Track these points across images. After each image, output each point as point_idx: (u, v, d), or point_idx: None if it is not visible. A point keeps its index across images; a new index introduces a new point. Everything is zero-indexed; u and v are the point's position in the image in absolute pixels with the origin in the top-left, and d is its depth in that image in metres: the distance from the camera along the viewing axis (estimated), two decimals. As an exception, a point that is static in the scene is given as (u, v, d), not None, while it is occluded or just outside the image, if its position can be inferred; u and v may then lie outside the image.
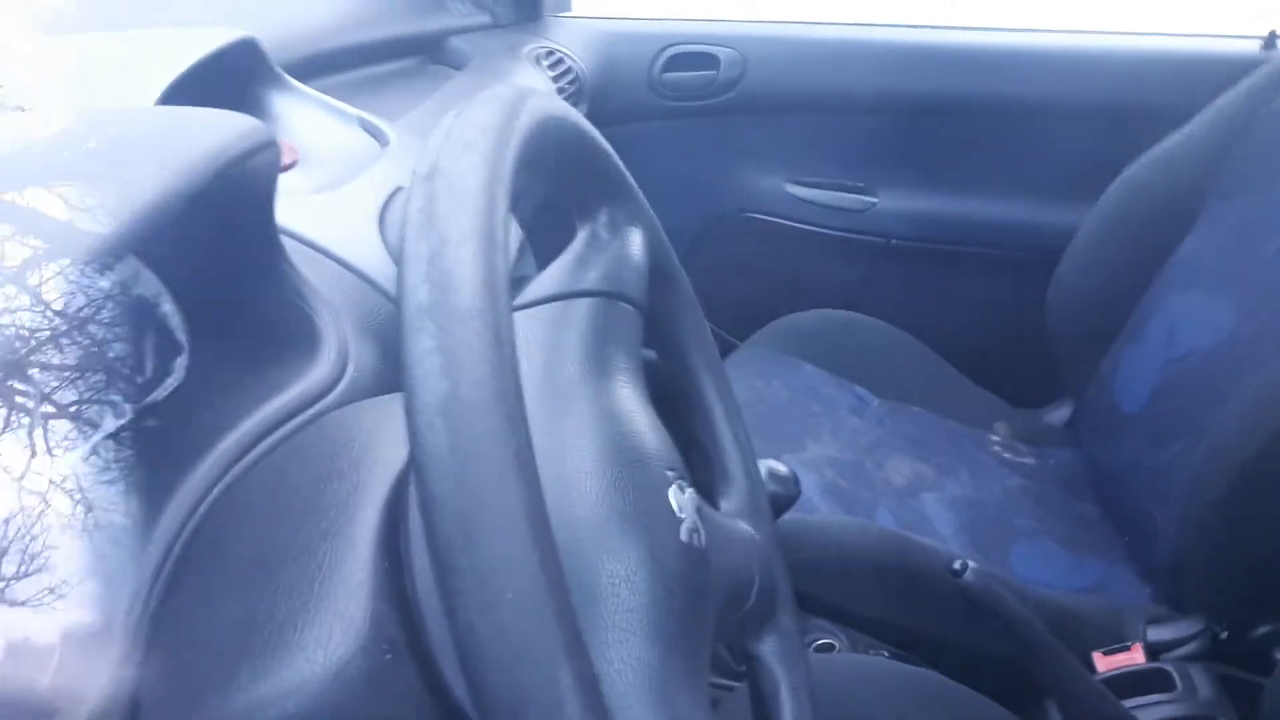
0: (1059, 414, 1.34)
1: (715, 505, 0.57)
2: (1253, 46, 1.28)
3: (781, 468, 0.86)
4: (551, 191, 0.53)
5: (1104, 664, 0.95)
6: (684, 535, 0.42)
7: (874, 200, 1.39)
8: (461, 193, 0.35)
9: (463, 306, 0.32)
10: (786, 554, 1.01)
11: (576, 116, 0.49)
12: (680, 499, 0.43)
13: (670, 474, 0.44)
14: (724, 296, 1.50)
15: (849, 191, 1.40)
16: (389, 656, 0.37)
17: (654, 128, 1.41)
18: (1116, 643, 0.98)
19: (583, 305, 0.50)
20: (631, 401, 0.46)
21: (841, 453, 1.17)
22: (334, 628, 0.37)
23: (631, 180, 0.55)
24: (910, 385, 1.34)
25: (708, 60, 1.37)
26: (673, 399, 0.60)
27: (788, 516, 1.03)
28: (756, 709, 0.57)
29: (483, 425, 0.30)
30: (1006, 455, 1.28)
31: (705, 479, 0.59)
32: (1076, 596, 1.04)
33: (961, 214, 1.38)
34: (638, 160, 1.49)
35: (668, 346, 0.60)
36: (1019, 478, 1.22)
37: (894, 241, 1.38)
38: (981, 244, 1.38)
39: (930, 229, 1.38)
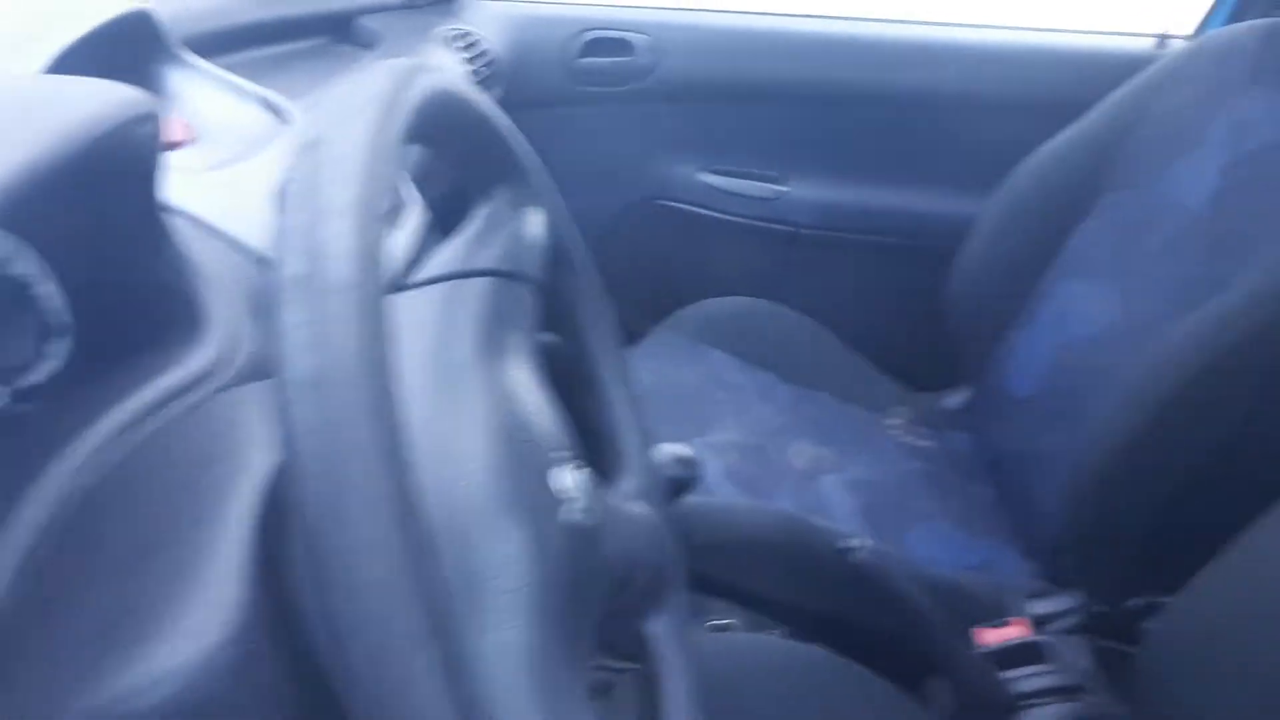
0: (957, 399, 1.39)
1: (610, 487, 0.58)
2: (1147, 44, 1.34)
3: (684, 451, 0.88)
4: (451, 170, 0.53)
5: (987, 638, 1.00)
6: (570, 516, 0.43)
7: (785, 189, 1.42)
8: (343, 162, 0.34)
9: (337, 280, 0.31)
10: (688, 536, 1.03)
11: (473, 93, 0.49)
12: (568, 479, 0.44)
13: (558, 455, 0.45)
14: (636, 283, 1.51)
15: (760, 180, 1.42)
16: (259, 644, 0.37)
17: (569, 113, 1.41)
18: (1001, 618, 1.03)
19: (477, 285, 0.50)
20: (523, 383, 0.47)
21: (746, 437, 1.19)
22: (205, 616, 0.36)
23: (534, 161, 0.55)
24: (816, 371, 1.37)
25: (623, 46, 1.38)
26: (571, 381, 0.61)
27: (690, 499, 1.06)
28: (645, 688, 0.58)
29: (349, 402, 0.30)
30: (906, 439, 1.31)
31: (602, 461, 0.60)
32: (966, 574, 1.08)
33: (868, 203, 1.41)
34: (553, 145, 1.49)
35: (567, 328, 0.60)
36: (918, 461, 1.26)
37: (803, 230, 1.41)
38: (886, 233, 1.41)
39: (838, 218, 1.41)
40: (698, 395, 1.25)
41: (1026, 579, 1.09)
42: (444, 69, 0.48)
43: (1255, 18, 1.13)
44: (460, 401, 0.44)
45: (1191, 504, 0.90)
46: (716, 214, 1.42)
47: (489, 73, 1.26)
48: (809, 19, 1.41)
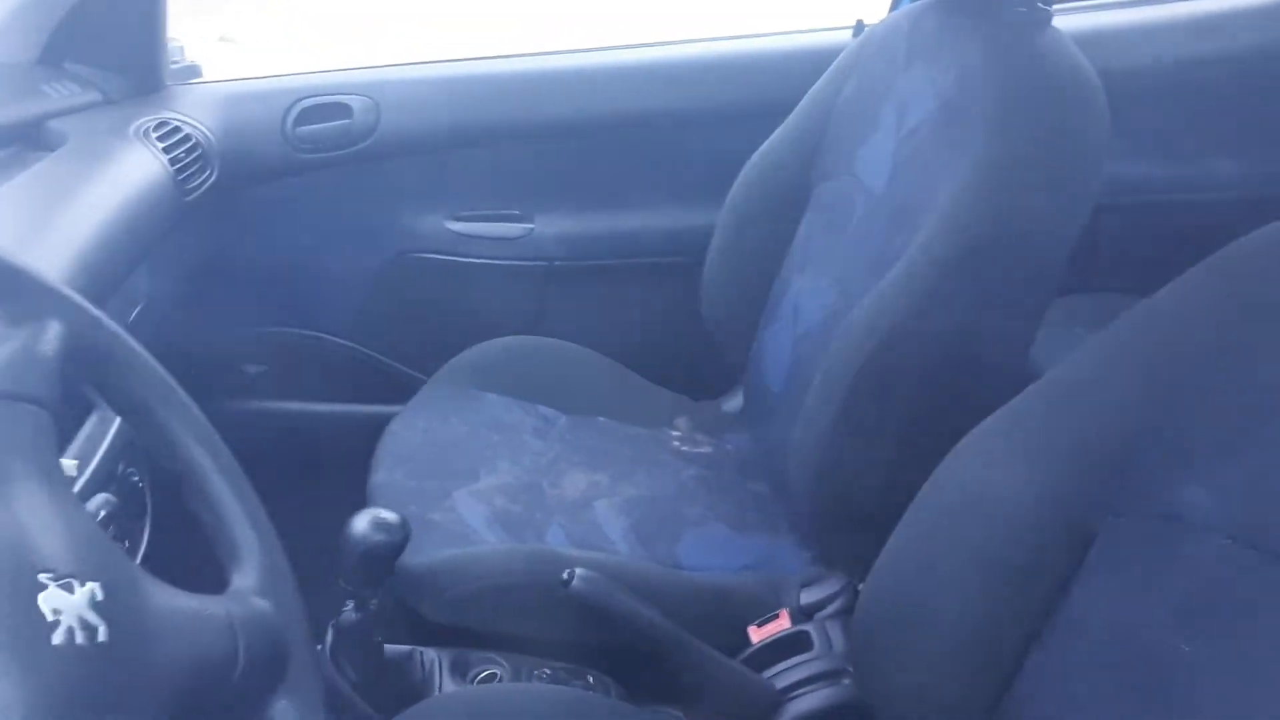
0: (735, 401, 1.42)
1: (228, 580, 0.57)
2: (845, 36, 1.40)
3: (388, 516, 0.88)
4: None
5: (757, 635, 1.02)
6: (60, 638, 0.42)
7: (531, 226, 1.43)
8: None
9: None
10: (446, 590, 1.03)
11: None
12: (61, 601, 0.43)
13: (48, 576, 0.43)
14: (406, 337, 1.51)
15: (506, 220, 1.43)
16: None
17: (300, 182, 1.39)
18: (774, 612, 1.05)
19: None
20: (24, 508, 0.46)
21: (518, 478, 1.20)
22: None
23: (39, 272, 0.54)
24: (595, 397, 1.38)
25: (340, 110, 1.37)
26: (177, 484, 0.59)
27: (447, 554, 1.05)
28: None
29: None
30: (685, 448, 1.34)
31: (220, 558, 0.59)
32: (739, 575, 1.10)
33: (615, 227, 1.44)
34: (288, 216, 1.48)
35: (143, 427, 0.59)
36: (696, 468, 1.29)
37: (556, 263, 1.42)
38: (639, 254, 1.44)
39: (588, 247, 1.43)
40: (469, 443, 1.24)
41: (801, 568, 1.12)
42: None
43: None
44: None
45: (906, 469, 0.94)
46: (471, 259, 1.43)
47: (195, 157, 1.23)
48: (522, 58, 1.43)
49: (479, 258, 1.42)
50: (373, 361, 1.48)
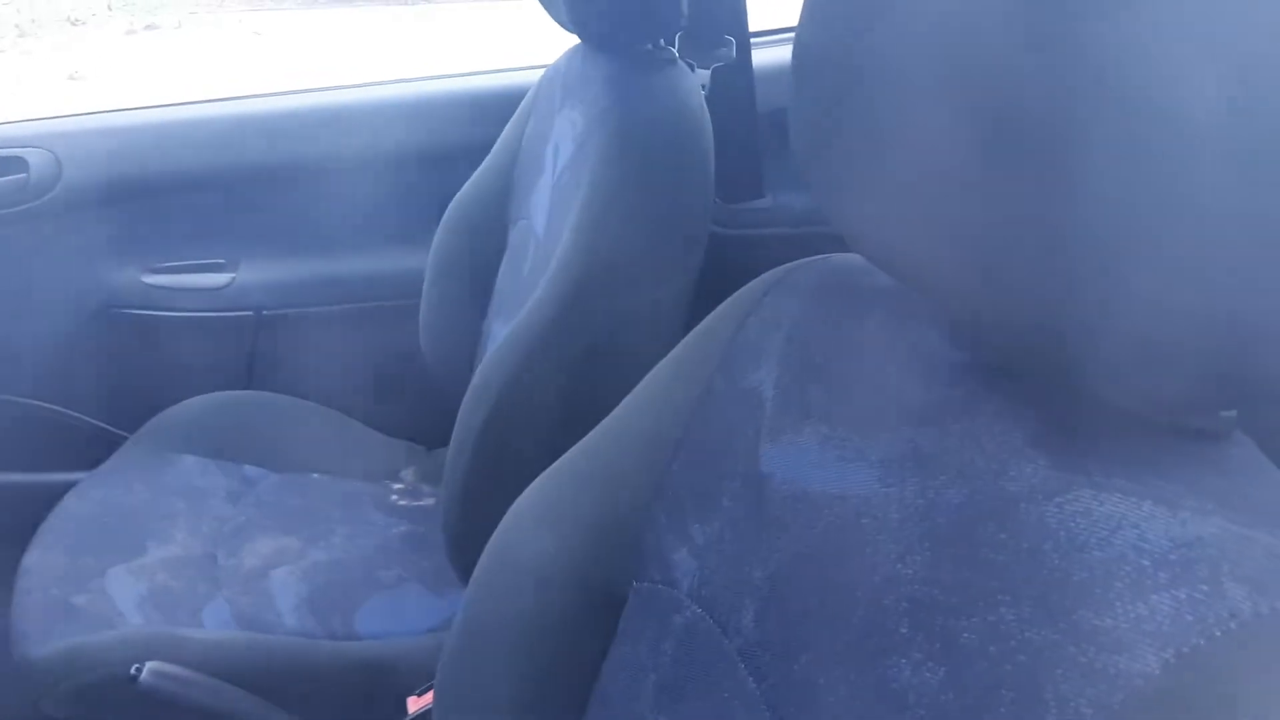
0: (462, 449, 1.37)
1: None
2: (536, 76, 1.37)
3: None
4: None
5: (415, 705, 0.96)
6: None
7: (234, 275, 1.37)
8: None
9: None
10: (62, 681, 0.95)
11: None
12: None
13: None
14: (109, 398, 1.41)
15: (208, 271, 1.36)
16: None
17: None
18: (443, 678, 1.00)
19: None
20: None
21: (191, 549, 1.12)
22: None
23: None
24: (310, 453, 1.31)
25: (16, 164, 1.28)
26: None
27: (70, 642, 0.97)
28: None
29: None
30: (404, 502, 1.28)
31: None
32: (420, 639, 1.05)
33: (327, 273, 1.38)
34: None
35: None
36: (408, 524, 1.23)
37: (265, 312, 1.36)
38: (355, 298, 1.39)
39: (299, 293, 1.37)
40: (148, 512, 1.16)
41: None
42: None
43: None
44: None
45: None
46: (173, 313, 1.35)
47: None
48: (216, 103, 1.36)
49: (181, 311, 1.35)
50: (76, 425, 1.38)
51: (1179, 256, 0.31)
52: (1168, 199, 0.31)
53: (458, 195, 1.25)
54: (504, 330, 1.14)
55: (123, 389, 1.37)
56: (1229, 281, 0.31)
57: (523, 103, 1.19)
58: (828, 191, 0.47)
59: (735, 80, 1.24)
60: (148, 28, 5.51)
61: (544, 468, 0.91)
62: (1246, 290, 0.31)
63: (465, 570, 1.00)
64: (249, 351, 1.36)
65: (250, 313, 1.35)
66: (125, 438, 1.30)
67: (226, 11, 6.15)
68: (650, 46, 0.93)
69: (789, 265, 0.60)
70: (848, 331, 0.52)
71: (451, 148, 1.36)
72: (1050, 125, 0.33)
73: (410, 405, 1.40)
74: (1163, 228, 0.31)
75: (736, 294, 0.61)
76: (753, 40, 1.26)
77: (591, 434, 0.66)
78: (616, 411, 0.65)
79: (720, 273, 0.92)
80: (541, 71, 1.20)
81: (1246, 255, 0.31)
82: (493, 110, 1.30)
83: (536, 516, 0.65)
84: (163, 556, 1.10)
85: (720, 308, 0.62)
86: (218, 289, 1.35)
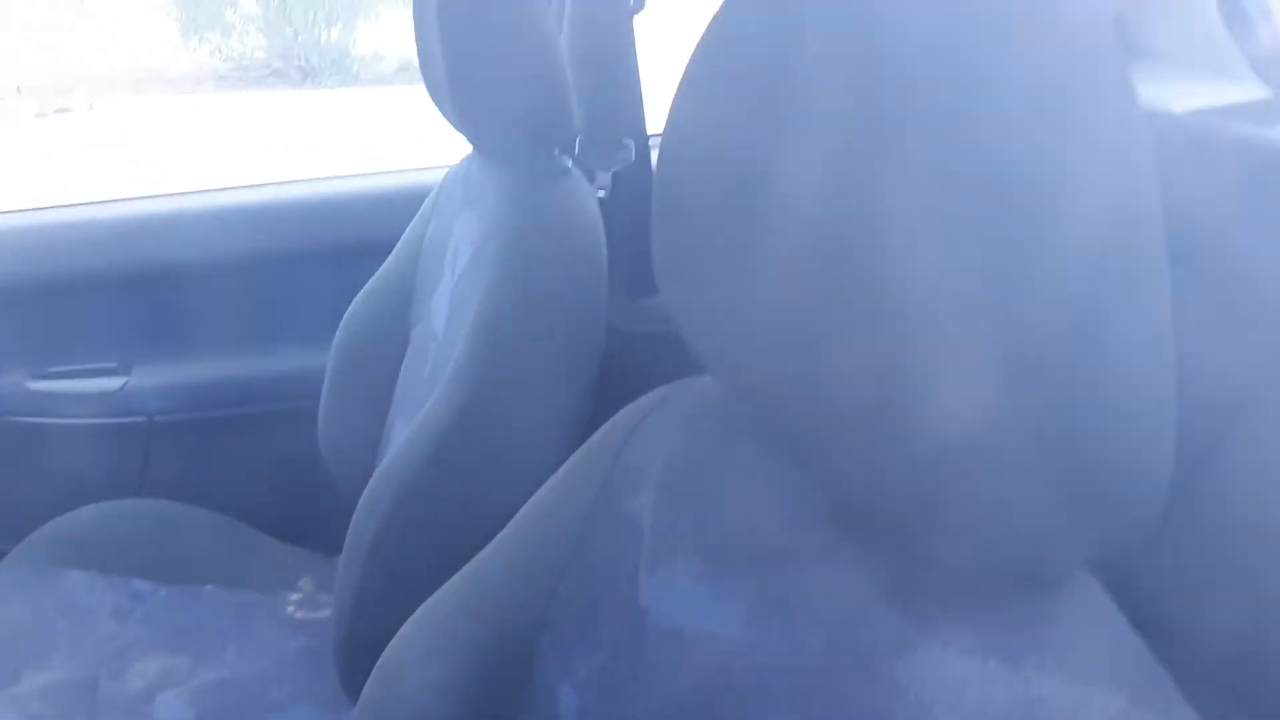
0: (364, 555, 1.33)
1: None
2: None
3: None
4: None
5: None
6: None
7: (126, 379, 1.33)
8: None
9: None
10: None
11: None
12: None
13: None
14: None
15: (99, 375, 1.32)
16: None
17: None
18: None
19: None
20: None
21: (71, 674, 1.06)
22: None
23: None
24: (204, 564, 1.26)
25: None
26: None
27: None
28: None
29: None
30: (301, 614, 1.23)
31: None
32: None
33: (224, 376, 1.35)
34: None
35: None
36: (303, 637, 1.18)
37: (158, 418, 1.32)
38: (253, 401, 1.35)
39: (196, 397, 1.33)
40: (25, 634, 1.10)
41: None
42: None
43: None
44: None
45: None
46: (61, 420, 1.30)
47: None
48: (107, 204, 1.34)
49: (69, 418, 1.30)
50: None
51: (1002, 409, 0.32)
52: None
53: (359, 295, 1.23)
54: (405, 435, 1.13)
55: (3, 501, 1.30)
56: (1049, 436, 0.31)
57: (425, 203, 1.19)
58: (686, 320, 0.47)
59: (635, 181, 1.26)
60: (59, 110, 5.43)
61: (439, 581, 0.89)
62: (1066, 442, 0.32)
63: (356, 692, 0.96)
64: (141, 458, 1.31)
65: (143, 418, 1.31)
66: (5, 553, 1.24)
67: (143, 94, 6.10)
68: (544, 156, 0.94)
69: (670, 386, 0.60)
70: (720, 462, 0.52)
71: (353, 246, 1.35)
72: (872, 273, 0.34)
73: (309, 510, 1.36)
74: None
75: (619, 415, 0.61)
76: (651, 141, 1.29)
77: (480, 556, 0.64)
78: (505, 532, 0.64)
79: (624, 371, 0.92)
80: (444, 171, 1.20)
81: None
82: (395, 209, 1.30)
83: (424, 647, 0.63)
84: (40, 684, 1.04)
85: (604, 428, 0.61)
86: (108, 394, 1.30)
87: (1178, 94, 1.04)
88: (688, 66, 0.42)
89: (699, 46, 0.41)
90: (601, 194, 1.21)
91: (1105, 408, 0.31)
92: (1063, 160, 0.31)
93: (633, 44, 1.23)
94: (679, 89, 0.43)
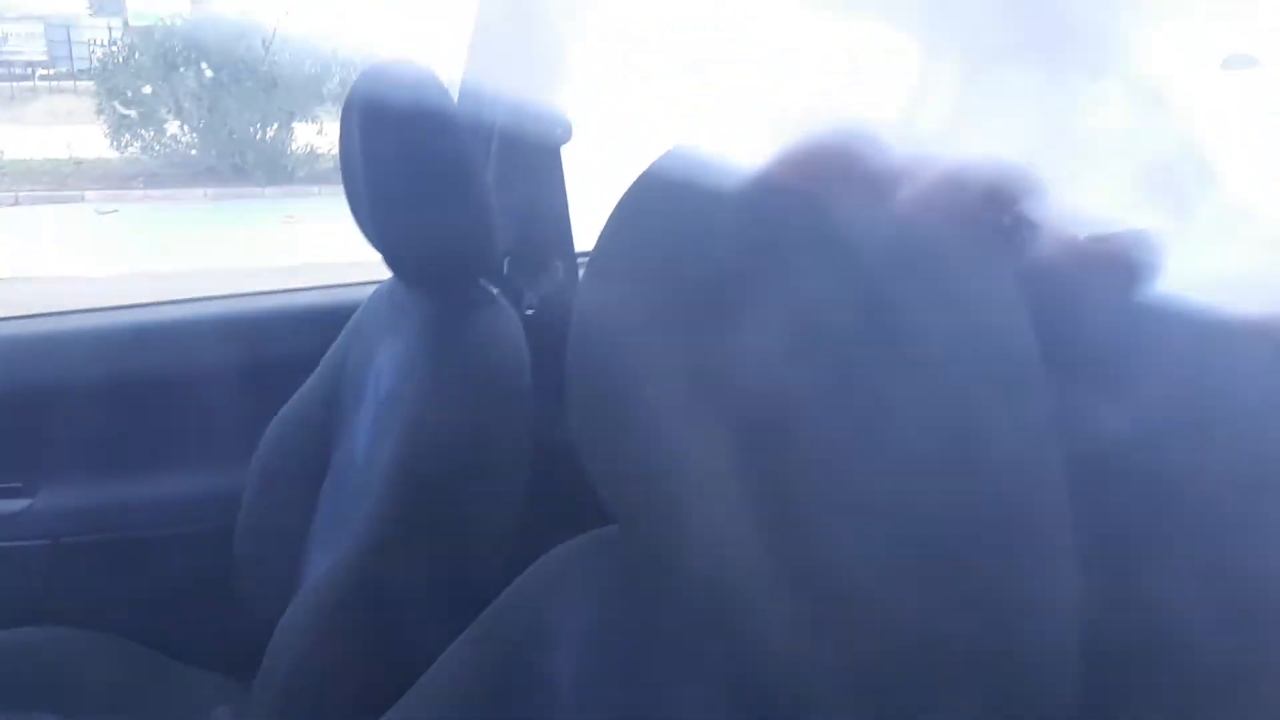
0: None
1: None
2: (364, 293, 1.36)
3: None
4: None
5: None
6: None
7: (31, 500, 1.28)
8: None
9: None
10: None
11: None
12: None
13: None
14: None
15: (2, 497, 1.27)
16: None
17: None
18: None
19: None
20: None
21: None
22: None
23: None
24: (112, 696, 1.20)
25: None
26: None
27: None
28: None
29: None
30: (217, 745, 1.18)
31: None
32: None
33: (134, 497, 1.31)
34: None
35: None
36: (217, 772, 1.13)
37: (63, 540, 1.27)
38: (164, 524, 1.31)
39: (103, 519, 1.29)
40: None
41: None
42: None
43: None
44: None
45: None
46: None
47: None
48: (13, 320, 1.31)
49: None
50: None
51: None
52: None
53: (279, 414, 1.21)
54: (324, 561, 1.10)
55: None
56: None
57: (349, 323, 1.19)
58: (600, 476, 0.47)
59: (564, 298, 1.27)
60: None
61: (358, 713, 0.86)
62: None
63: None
64: (43, 584, 1.26)
65: (47, 541, 1.25)
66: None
67: (69, 188, 6.03)
68: (463, 286, 0.95)
69: (588, 538, 0.59)
70: (644, 630, 0.51)
71: (274, 364, 1.33)
72: (780, 453, 0.34)
73: (224, 636, 1.31)
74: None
75: (536, 567, 0.60)
76: (579, 259, 1.31)
77: (389, 715, 0.62)
78: (419, 688, 0.62)
79: (555, 480, 0.90)
80: (369, 289, 1.20)
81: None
82: (318, 327, 1.28)
83: None
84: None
85: (521, 579, 0.60)
86: (11, 515, 1.25)
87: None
88: (594, 251, 0.43)
89: (603, 231, 0.43)
90: (530, 312, 1.22)
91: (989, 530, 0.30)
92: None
93: (561, 172, 1.25)
94: (585, 274, 0.44)
